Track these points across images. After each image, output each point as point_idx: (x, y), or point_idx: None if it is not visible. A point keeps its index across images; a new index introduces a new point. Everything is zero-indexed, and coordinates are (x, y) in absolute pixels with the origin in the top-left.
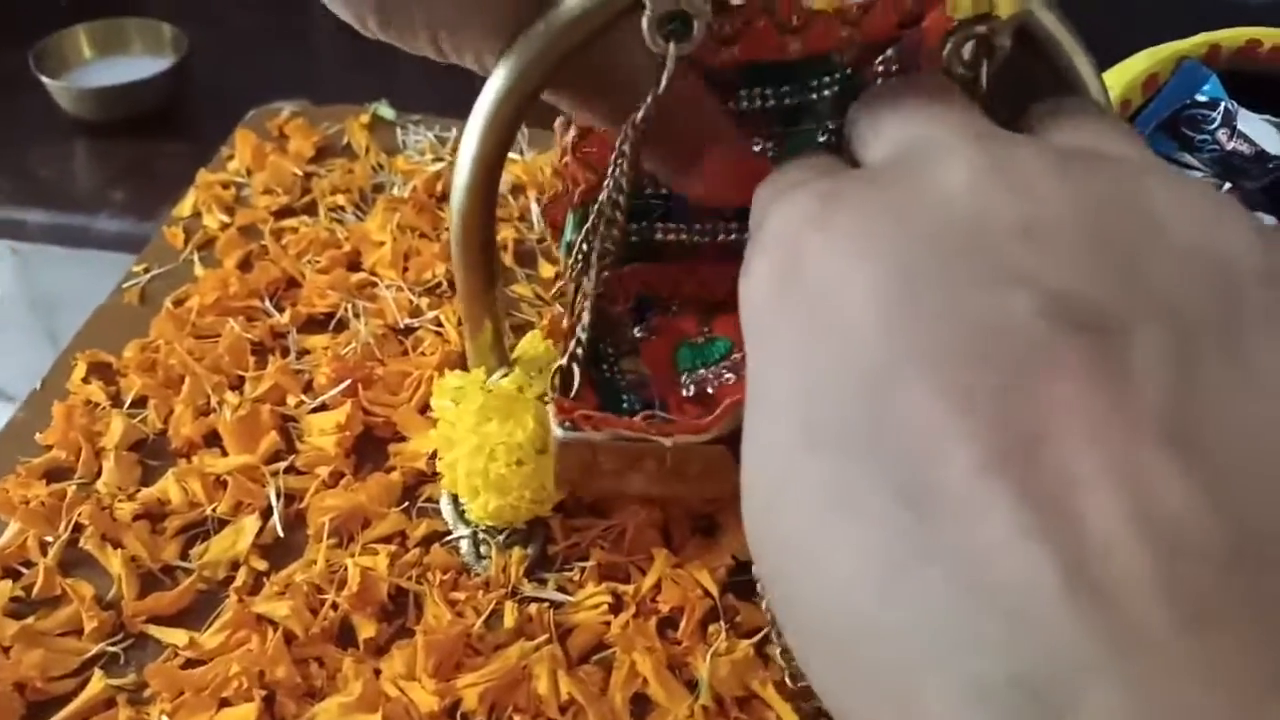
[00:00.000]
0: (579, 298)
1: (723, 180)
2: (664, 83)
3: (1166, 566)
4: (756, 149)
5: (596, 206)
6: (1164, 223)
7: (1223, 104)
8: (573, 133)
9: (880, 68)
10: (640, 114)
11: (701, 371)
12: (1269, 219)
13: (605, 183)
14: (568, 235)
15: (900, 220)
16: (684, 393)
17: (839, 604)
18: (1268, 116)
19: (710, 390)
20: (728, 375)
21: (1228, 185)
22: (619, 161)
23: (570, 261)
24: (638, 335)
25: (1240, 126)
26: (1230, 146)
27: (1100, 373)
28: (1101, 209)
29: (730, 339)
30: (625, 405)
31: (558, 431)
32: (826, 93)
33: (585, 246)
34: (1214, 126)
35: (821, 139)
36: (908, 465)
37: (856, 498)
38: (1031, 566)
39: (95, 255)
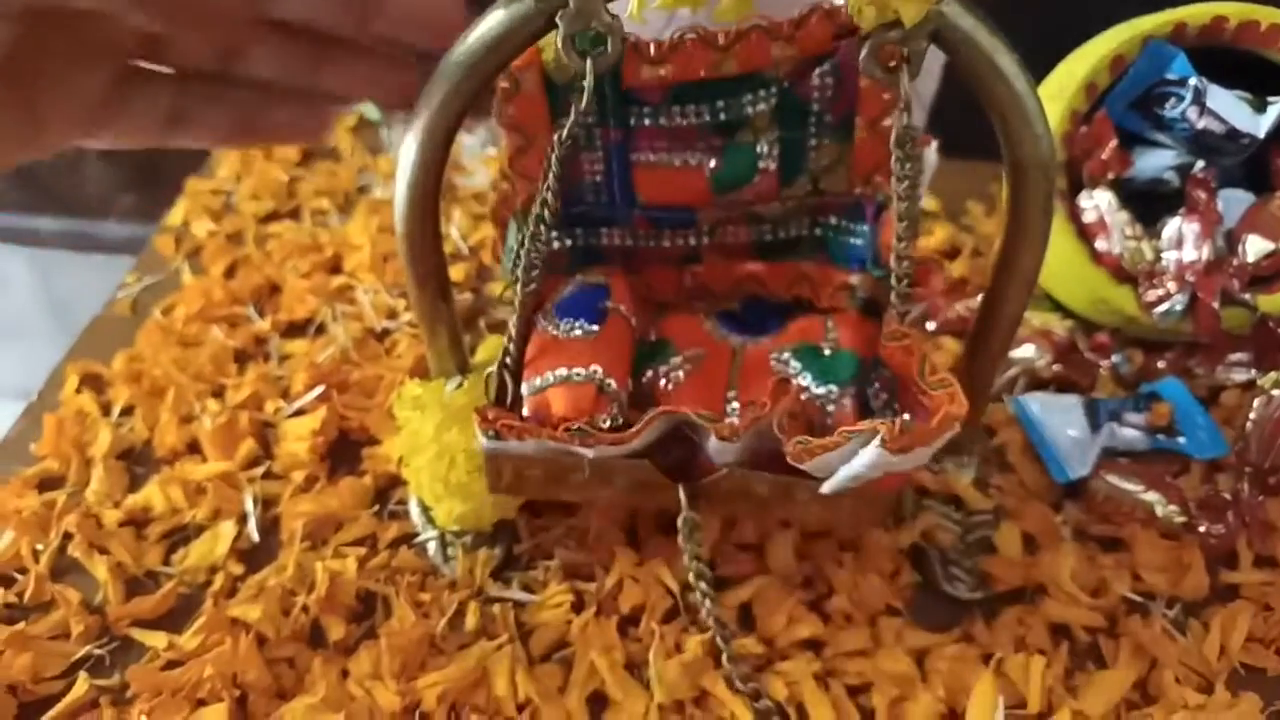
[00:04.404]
0: (517, 304)
1: (659, 191)
2: (584, 98)
3: None
4: (693, 162)
5: (530, 219)
6: None
7: (1192, 81)
8: (511, 147)
9: (817, 80)
10: (565, 130)
11: (650, 373)
12: (1247, 195)
13: (535, 198)
14: (510, 240)
15: None
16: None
17: None
18: (1238, 92)
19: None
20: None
21: (1201, 163)
22: (546, 174)
23: (510, 267)
24: None
25: (1210, 104)
26: (1201, 125)
27: None
28: None
29: (672, 341)
30: None
31: (482, 441)
32: (763, 106)
33: (520, 256)
34: (1184, 104)
35: (761, 150)
36: None
37: None
38: None
39: (106, 259)
